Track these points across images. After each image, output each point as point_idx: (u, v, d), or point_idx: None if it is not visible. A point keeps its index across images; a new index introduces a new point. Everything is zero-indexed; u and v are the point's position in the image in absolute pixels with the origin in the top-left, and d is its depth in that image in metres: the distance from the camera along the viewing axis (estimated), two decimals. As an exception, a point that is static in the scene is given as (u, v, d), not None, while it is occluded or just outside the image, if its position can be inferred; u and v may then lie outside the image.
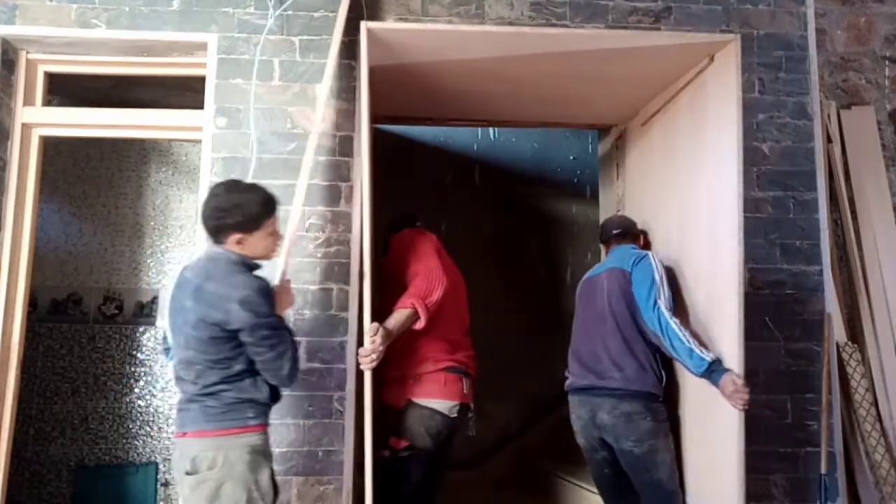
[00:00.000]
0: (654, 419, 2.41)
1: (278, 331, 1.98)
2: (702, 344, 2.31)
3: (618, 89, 2.77)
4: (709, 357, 2.24)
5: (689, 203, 2.58)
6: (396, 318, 2.31)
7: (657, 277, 2.41)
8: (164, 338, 2.17)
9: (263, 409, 2.02)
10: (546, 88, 2.75)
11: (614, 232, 2.74)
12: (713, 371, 2.23)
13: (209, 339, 1.91)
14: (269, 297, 1.97)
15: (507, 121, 3.33)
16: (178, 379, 2.00)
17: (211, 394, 1.94)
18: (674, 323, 2.32)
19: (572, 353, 2.67)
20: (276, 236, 2.10)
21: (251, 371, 1.98)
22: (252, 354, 1.95)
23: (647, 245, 2.83)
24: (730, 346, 2.26)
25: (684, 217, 2.61)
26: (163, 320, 4.19)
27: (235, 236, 2.00)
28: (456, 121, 3.31)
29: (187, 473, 1.91)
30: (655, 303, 2.36)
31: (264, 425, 2.02)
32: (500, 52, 2.41)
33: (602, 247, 2.86)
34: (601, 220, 3.31)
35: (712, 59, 2.41)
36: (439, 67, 2.52)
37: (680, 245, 2.63)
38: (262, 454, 1.98)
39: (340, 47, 2.65)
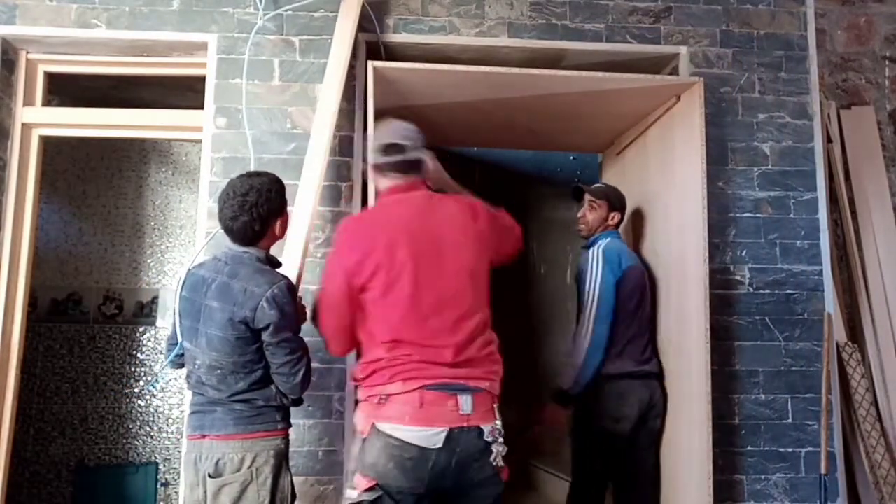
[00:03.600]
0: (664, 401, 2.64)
1: (298, 336, 1.97)
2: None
3: (596, 122, 3.04)
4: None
5: (658, 228, 2.84)
6: None
7: None
8: (171, 339, 2.10)
9: (287, 412, 2.02)
10: (534, 122, 3.00)
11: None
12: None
13: (235, 339, 1.88)
14: (294, 295, 1.97)
15: (500, 146, 3.74)
16: (199, 382, 1.96)
17: (240, 400, 1.92)
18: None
19: (627, 340, 2.62)
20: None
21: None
22: (270, 357, 1.93)
23: None
24: (697, 356, 2.47)
25: (654, 239, 2.86)
26: (163, 320, 4.22)
27: (278, 221, 1.99)
28: (451, 145, 3.54)
29: (210, 476, 1.88)
30: None
31: (288, 428, 2.01)
32: (490, 91, 2.68)
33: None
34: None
35: (679, 98, 2.66)
36: (437, 101, 2.76)
37: (650, 264, 2.82)
38: (284, 458, 1.97)
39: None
